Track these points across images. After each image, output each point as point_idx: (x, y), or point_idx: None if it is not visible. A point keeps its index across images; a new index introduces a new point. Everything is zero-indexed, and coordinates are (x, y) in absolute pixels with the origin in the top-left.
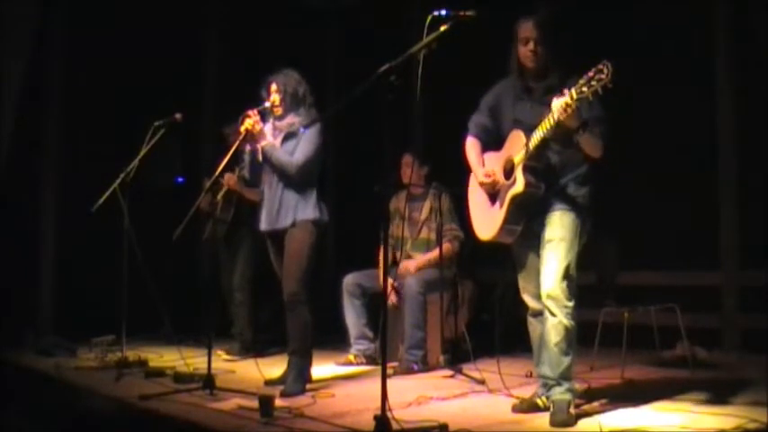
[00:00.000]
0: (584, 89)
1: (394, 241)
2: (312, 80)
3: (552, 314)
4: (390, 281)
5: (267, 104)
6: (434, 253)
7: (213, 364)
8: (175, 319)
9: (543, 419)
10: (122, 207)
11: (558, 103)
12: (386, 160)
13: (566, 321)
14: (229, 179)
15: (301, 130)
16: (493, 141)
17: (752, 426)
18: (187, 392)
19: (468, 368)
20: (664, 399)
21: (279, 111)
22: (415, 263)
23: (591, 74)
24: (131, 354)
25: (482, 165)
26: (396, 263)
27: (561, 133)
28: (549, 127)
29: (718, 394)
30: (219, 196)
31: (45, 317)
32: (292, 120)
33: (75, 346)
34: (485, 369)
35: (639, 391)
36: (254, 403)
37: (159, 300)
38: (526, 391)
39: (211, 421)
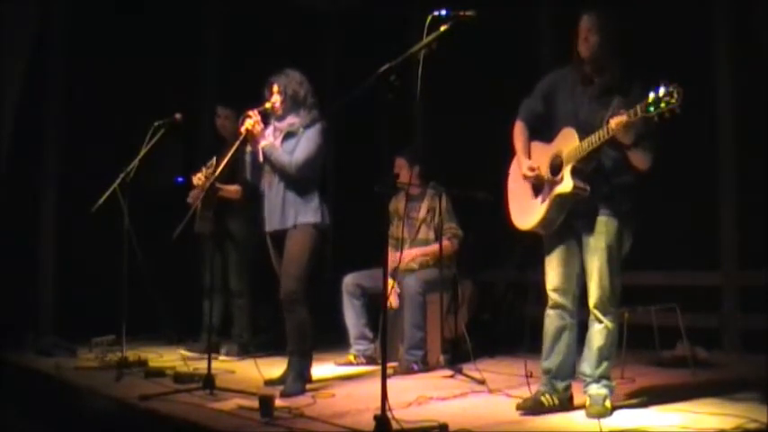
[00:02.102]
0: (652, 109)
1: (394, 241)
2: (312, 80)
3: (599, 321)
4: (391, 282)
5: (267, 105)
6: (435, 246)
7: (213, 364)
8: (175, 319)
9: (543, 419)
10: (122, 207)
11: (617, 121)
12: (386, 160)
13: (610, 325)
14: (198, 180)
15: (303, 130)
16: (541, 128)
17: (752, 426)
18: (187, 392)
19: (468, 368)
20: (664, 399)
21: (279, 111)
22: (412, 254)
23: (660, 94)
24: (131, 354)
25: (527, 154)
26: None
27: (614, 145)
28: (602, 139)
29: (718, 394)
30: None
31: (45, 317)
32: (292, 120)
33: (75, 346)
34: (485, 369)
35: (639, 391)
36: (254, 403)
37: (159, 300)
38: (526, 391)
39: (211, 421)
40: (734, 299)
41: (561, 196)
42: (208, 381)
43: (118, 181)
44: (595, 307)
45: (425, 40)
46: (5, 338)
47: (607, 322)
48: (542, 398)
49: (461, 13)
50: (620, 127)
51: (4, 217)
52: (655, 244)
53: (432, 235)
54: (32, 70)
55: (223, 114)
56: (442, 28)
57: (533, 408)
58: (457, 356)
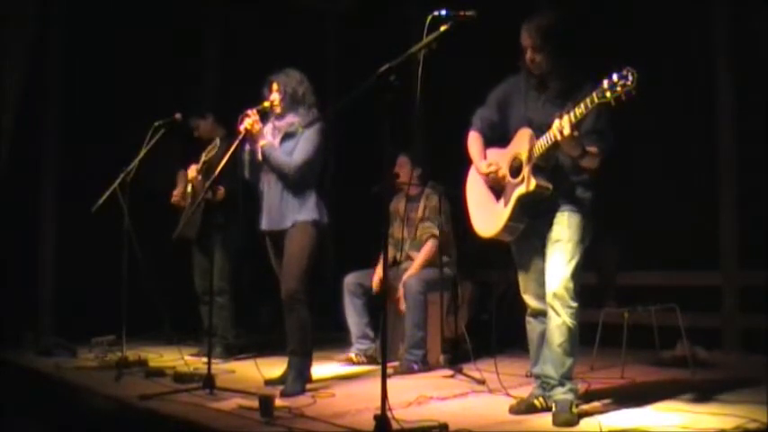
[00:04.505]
0: (608, 95)
1: (394, 242)
2: (312, 80)
3: (557, 314)
4: (401, 290)
5: (266, 104)
6: (422, 257)
7: (213, 365)
8: (175, 319)
9: (543, 419)
10: (122, 207)
11: (555, 124)
12: (386, 160)
13: (569, 322)
14: (191, 171)
15: (302, 130)
16: (497, 137)
17: (752, 426)
18: (187, 392)
19: (468, 368)
20: (664, 399)
21: (278, 110)
22: (415, 268)
23: (615, 79)
24: (131, 354)
25: (484, 159)
26: (396, 263)
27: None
28: (550, 143)
29: (718, 394)
30: (189, 189)
31: (45, 316)
32: (292, 119)
33: (75, 346)
34: (485, 369)
35: (639, 391)
36: (254, 403)
37: (159, 300)
38: (525, 392)
39: (211, 421)
40: (734, 299)
41: (525, 196)
42: (208, 381)
43: (118, 181)
44: (553, 299)
45: (425, 40)
46: (5, 338)
47: (566, 318)
48: (535, 401)
49: (461, 14)
50: (558, 132)
51: (5, 216)
52: (655, 244)
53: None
54: (33, 70)
55: (195, 125)
56: (442, 28)
57: (526, 411)
58: (457, 356)
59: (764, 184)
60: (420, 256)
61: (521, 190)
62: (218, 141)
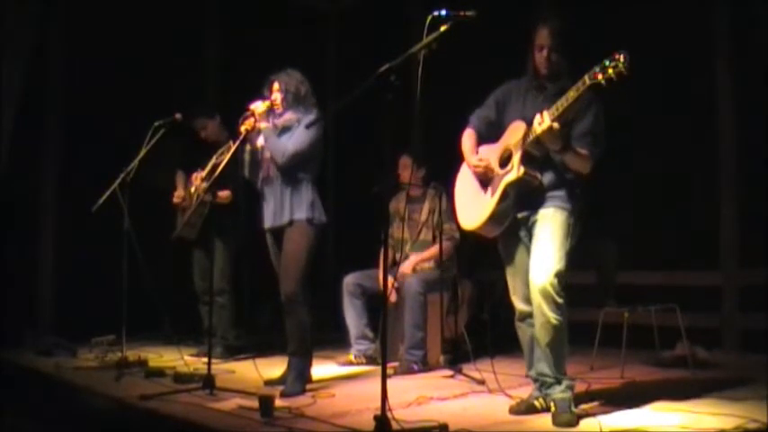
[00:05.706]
0: (599, 76)
1: (394, 242)
2: (312, 80)
3: (541, 311)
4: (390, 279)
5: (267, 103)
6: (430, 251)
7: (213, 365)
8: (175, 319)
9: (543, 419)
10: (122, 207)
11: (539, 121)
12: (386, 160)
13: (553, 319)
14: (196, 178)
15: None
16: (493, 137)
17: (752, 426)
18: (187, 392)
19: (467, 368)
20: (664, 399)
21: (280, 110)
22: (411, 263)
23: (606, 63)
24: (131, 354)
25: (475, 153)
26: (396, 263)
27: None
28: (533, 137)
29: (718, 394)
30: (193, 190)
31: (45, 316)
32: (290, 116)
33: (75, 346)
34: (484, 369)
35: (639, 391)
36: (254, 403)
37: (159, 300)
38: (525, 392)
39: (211, 421)
40: (734, 299)
41: (512, 184)
42: (208, 381)
43: (118, 181)
44: (538, 294)
45: (425, 40)
46: (5, 338)
47: (550, 316)
48: (535, 402)
49: (461, 14)
50: (537, 123)
51: (5, 216)
52: (655, 244)
53: (431, 236)
54: (33, 71)
55: (203, 125)
56: (442, 28)
57: (526, 412)
58: (457, 356)
59: (764, 184)
60: (433, 250)
61: (509, 177)
62: (231, 145)
